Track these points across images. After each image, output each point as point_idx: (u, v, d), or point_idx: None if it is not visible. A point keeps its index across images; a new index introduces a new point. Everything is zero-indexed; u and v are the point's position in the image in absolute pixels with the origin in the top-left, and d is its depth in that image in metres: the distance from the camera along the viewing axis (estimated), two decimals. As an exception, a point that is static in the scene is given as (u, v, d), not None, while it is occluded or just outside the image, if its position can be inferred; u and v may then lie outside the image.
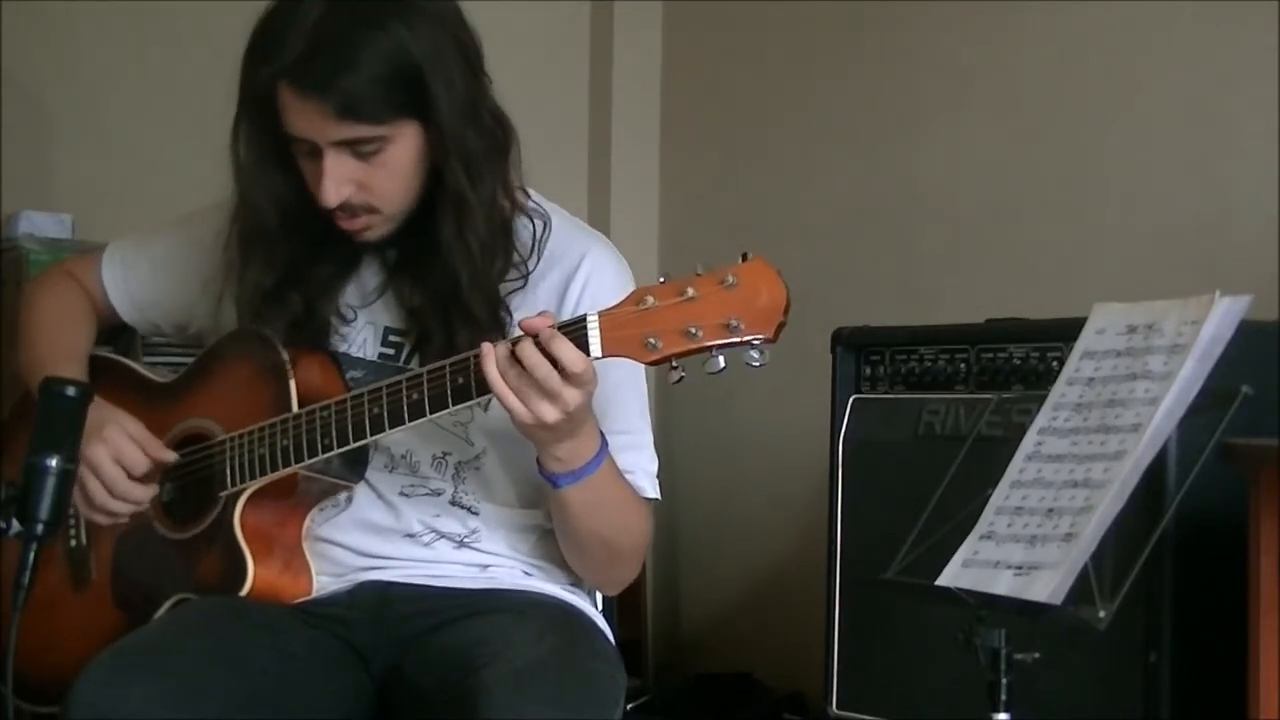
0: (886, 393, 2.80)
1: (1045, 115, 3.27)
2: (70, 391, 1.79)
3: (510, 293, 2.00)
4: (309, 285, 2.03)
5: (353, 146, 1.91)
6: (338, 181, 1.92)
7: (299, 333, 2.03)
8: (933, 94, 3.50)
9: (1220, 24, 2.94)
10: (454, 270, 1.95)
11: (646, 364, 1.77)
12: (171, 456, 2.08)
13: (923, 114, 3.51)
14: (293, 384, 2.00)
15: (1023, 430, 1.96)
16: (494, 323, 1.95)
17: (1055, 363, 2.52)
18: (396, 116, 1.90)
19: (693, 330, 1.71)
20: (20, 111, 3.45)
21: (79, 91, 3.57)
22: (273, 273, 2.01)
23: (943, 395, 2.71)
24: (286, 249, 2.01)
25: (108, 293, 2.26)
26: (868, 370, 2.83)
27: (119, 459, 2.04)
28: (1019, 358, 2.62)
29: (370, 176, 1.93)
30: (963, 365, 2.70)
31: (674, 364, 1.74)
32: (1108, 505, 1.80)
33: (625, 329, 1.74)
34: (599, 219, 4.05)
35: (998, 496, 1.92)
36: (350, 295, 2.07)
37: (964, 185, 3.42)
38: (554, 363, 1.76)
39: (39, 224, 3.28)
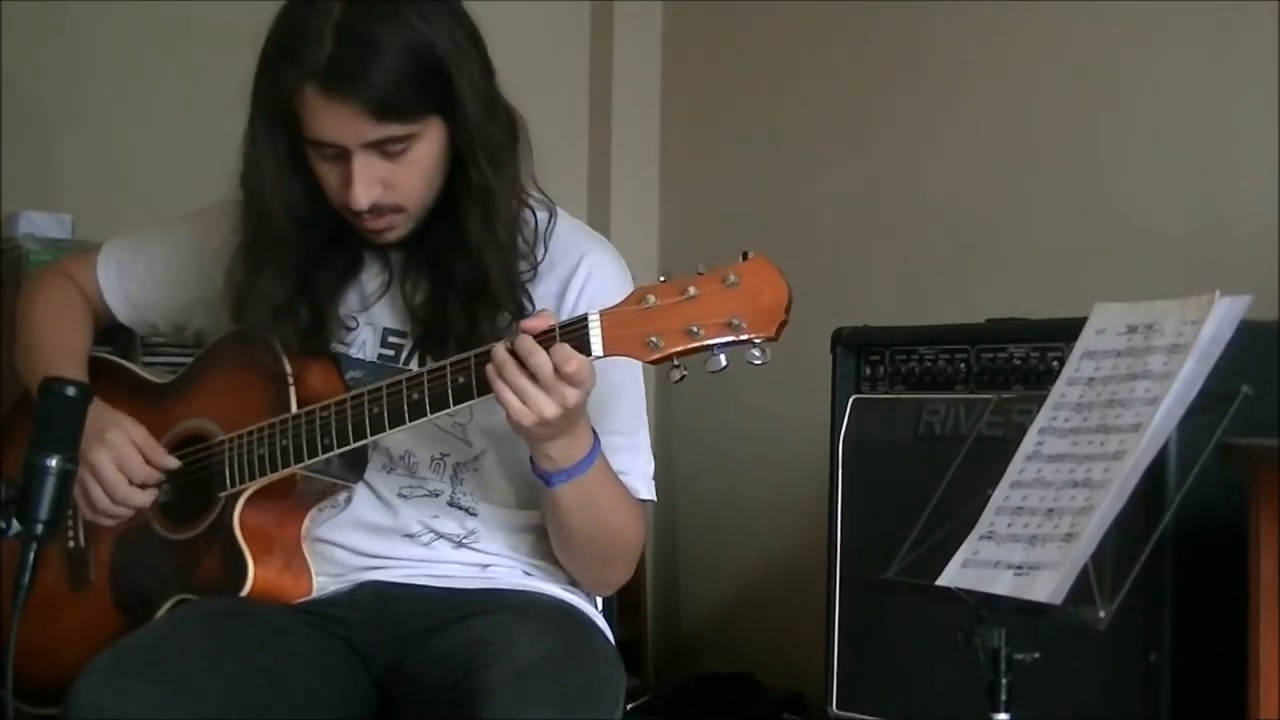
0: (886, 393, 2.80)
1: (1045, 116, 3.27)
2: (70, 391, 1.79)
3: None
4: (314, 293, 2.02)
5: (381, 147, 1.89)
6: (368, 183, 1.90)
7: (306, 341, 2.02)
8: (933, 94, 3.50)
9: (1220, 24, 2.94)
10: (483, 263, 1.94)
11: (648, 363, 1.76)
12: (174, 463, 2.08)
13: (923, 114, 3.51)
14: (291, 384, 2.00)
15: (1023, 430, 1.96)
16: (519, 312, 1.95)
17: (1055, 363, 2.52)
18: (426, 113, 1.89)
19: (694, 329, 1.71)
20: (20, 111, 3.45)
21: (79, 91, 3.57)
22: (285, 285, 1.99)
23: (943, 395, 2.71)
24: (298, 261, 1.99)
25: (104, 293, 2.24)
26: (868, 370, 2.83)
27: (120, 464, 2.04)
28: (1019, 358, 2.62)
29: (396, 175, 1.91)
30: (963, 365, 2.69)
31: (675, 363, 1.74)
32: (1108, 505, 1.80)
33: (627, 328, 1.74)
34: (599, 219, 4.05)
35: (998, 496, 1.92)
36: (351, 300, 2.07)
37: (964, 185, 3.42)
38: (553, 360, 1.76)
39: (39, 224, 3.28)
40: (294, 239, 1.98)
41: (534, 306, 1.96)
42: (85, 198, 3.46)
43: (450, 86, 1.89)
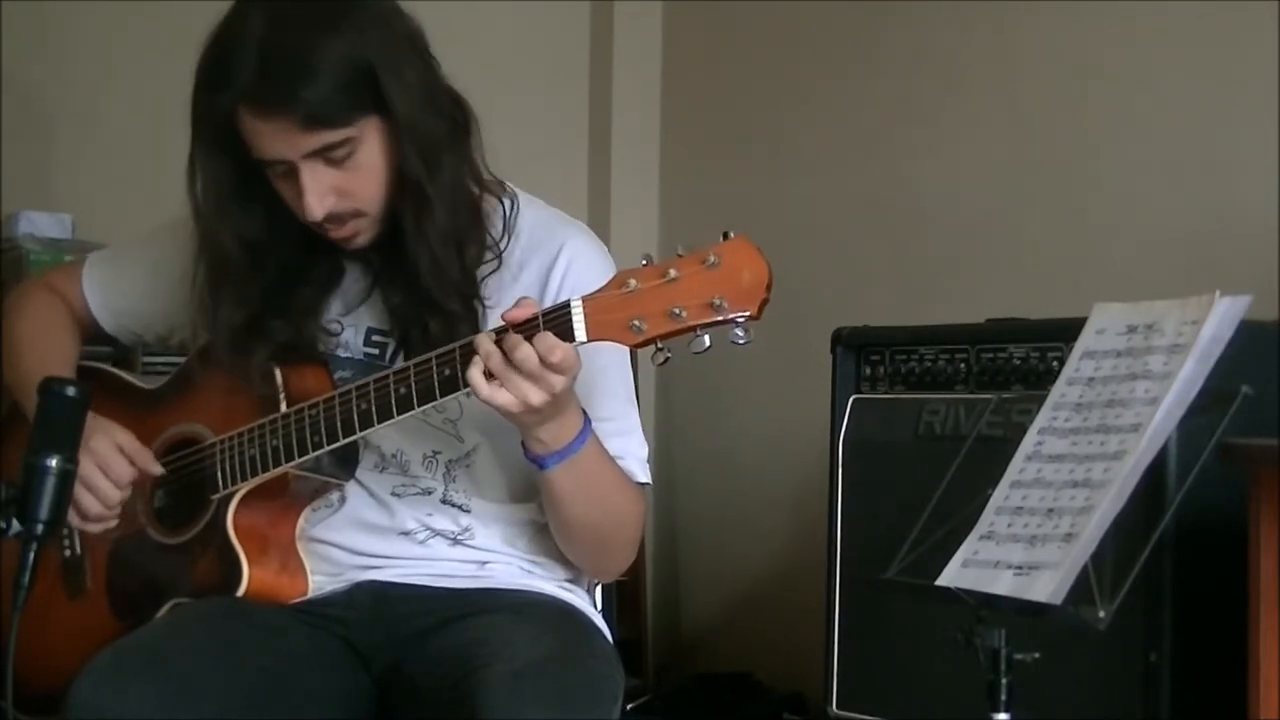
0: (886, 393, 2.80)
1: (1046, 115, 3.27)
2: (70, 392, 1.80)
3: (486, 275, 1.99)
4: (291, 310, 2.02)
5: (325, 155, 1.90)
6: (319, 193, 1.91)
7: (286, 354, 2.02)
8: (933, 94, 3.50)
9: (1220, 24, 2.94)
10: (417, 262, 1.94)
11: (632, 346, 1.76)
12: (159, 469, 2.08)
13: (923, 114, 3.51)
14: (280, 383, 2.00)
15: (1023, 430, 1.96)
16: (467, 311, 1.95)
17: (1055, 363, 2.52)
18: (359, 115, 1.90)
19: (677, 311, 1.71)
20: (20, 111, 3.45)
21: (79, 91, 3.58)
22: (243, 310, 2.00)
23: (943, 395, 2.71)
24: (259, 283, 2.00)
25: (88, 304, 2.25)
26: (868, 370, 2.83)
27: (106, 470, 2.04)
28: (1019, 358, 2.62)
29: (348, 181, 1.92)
30: (963, 365, 2.69)
31: (659, 345, 1.74)
32: (1108, 505, 1.80)
33: (610, 313, 1.74)
34: (599, 219, 4.05)
35: (998, 496, 1.92)
36: (334, 306, 2.07)
37: (964, 185, 3.42)
38: (537, 351, 1.76)
39: (39, 224, 3.28)
40: (248, 266, 1.99)
41: (486, 305, 1.97)
42: (85, 198, 3.46)
43: (380, 87, 1.89)
